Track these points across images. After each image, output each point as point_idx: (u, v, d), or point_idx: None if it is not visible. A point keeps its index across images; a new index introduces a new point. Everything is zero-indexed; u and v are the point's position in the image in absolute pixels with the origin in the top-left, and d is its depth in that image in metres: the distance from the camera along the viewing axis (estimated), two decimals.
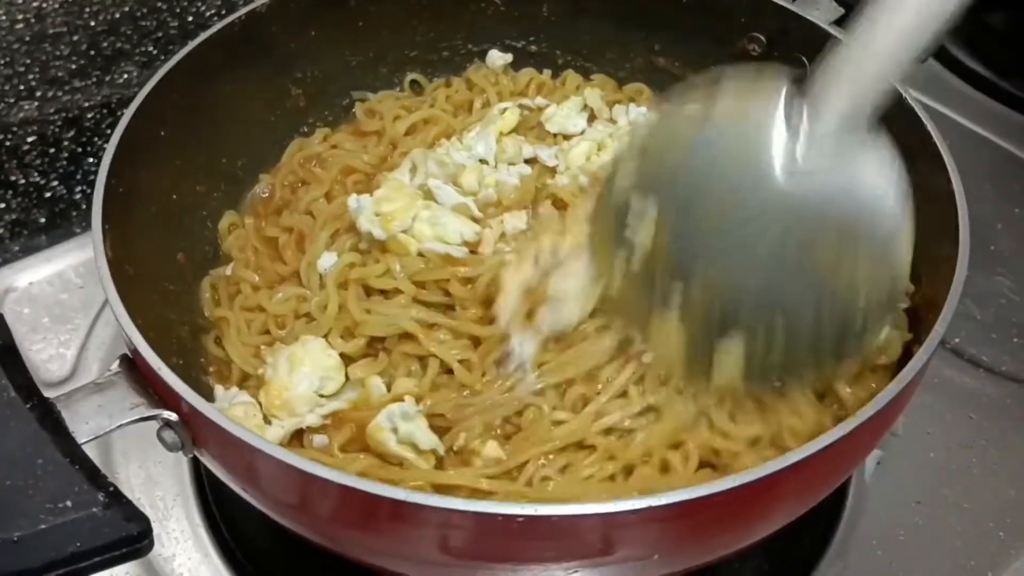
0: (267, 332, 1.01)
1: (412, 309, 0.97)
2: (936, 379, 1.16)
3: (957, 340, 1.20)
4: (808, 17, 1.10)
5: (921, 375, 0.80)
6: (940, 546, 1.03)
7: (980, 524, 1.05)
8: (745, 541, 0.83)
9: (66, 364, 1.19)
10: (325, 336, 0.97)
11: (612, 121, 1.20)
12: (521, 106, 1.19)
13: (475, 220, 1.04)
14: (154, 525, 0.72)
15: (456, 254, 0.99)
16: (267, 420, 0.93)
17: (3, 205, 1.41)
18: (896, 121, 0.99)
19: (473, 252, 1.01)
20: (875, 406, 0.75)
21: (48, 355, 1.19)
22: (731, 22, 1.17)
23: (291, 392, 0.92)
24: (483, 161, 1.12)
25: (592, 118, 1.21)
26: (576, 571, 0.76)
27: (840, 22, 1.11)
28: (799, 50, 1.11)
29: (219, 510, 1.07)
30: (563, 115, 1.19)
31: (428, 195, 1.06)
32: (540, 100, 1.23)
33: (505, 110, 1.18)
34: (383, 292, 0.99)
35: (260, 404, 0.94)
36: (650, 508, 0.68)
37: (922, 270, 0.97)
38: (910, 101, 0.99)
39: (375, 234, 1.00)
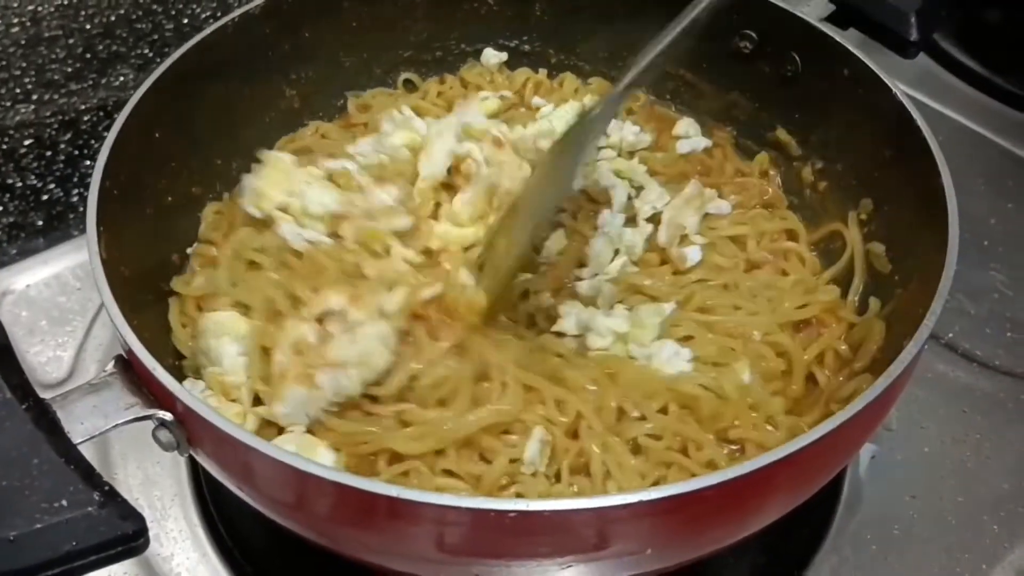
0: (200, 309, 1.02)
1: (265, 284, 0.98)
2: (930, 374, 1.16)
3: (951, 335, 1.20)
4: (799, 14, 1.10)
5: (911, 368, 0.80)
6: (934, 540, 1.04)
7: (974, 518, 1.06)
8: (738, 535, 0.83)
9: (64, 366, 1.19)
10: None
11: (605, 135, 1.21)
12: (502, 97, 1.20)
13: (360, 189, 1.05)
14: (152, 525, 0.73)
15: (300, 247, 0.99)
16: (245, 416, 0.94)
17: (0, 208, 1.41)
18: (887, 117, 1.01)
19: (335, 233, 1.02)
20: (864, 400, 0.75)
21: (46, 357, 1.20)
22: (723, 20, 1.16)
23: (224, 369, 0.94)
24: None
25: None
26: (570, 566, 0.76)
27: (831, 19, 1.11)
28: (791, 47, 1.13)
29: (217, 510, 1.07)
30: (558, 117, 1.19)
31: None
32: (538, 100, 1.24)
33: (486, 99, 1.19)
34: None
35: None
36: (642, 502, 0.69)
37: (914, 266, 0.97)
38: (901, 97, 1.00)
39: (251, 212, 1.03)
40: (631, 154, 1.19)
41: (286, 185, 1.03)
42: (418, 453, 0.88)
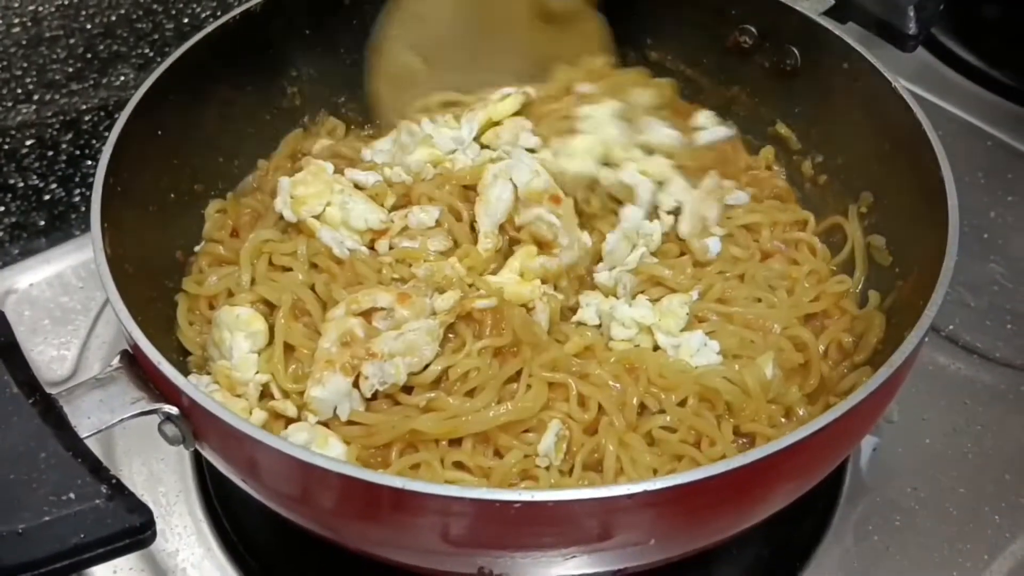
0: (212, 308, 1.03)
1: (295, 285, 0.99)
2: (931, 366, 1.17)
3: (951, 327, 1.21)
4: (799, 8, 1.11)
5: (912, 359, 0.80)
6: (936, 531, 1.04)
7: (976, 509, 1.06)
8: (740, 525, 0.83)
9: (67, 364, 1.19)
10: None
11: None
12: (525, 93, 1.18)
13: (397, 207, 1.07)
14: (157, 520, 0.73)
15: (342, 255, 1.01)
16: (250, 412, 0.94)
17: (2, 208, 1.42)
18: (887, 110, 1.01)
19: (372, 246, 1.03)
20: (866, 390, 0.75)
21: (49, 356, 1.20)
22: (723, 15, 1.18)
23: (233, 364, 0.94)
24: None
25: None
26: (574, 557, 0.76)
27: (830, 13, 1.11)
28: (790, 41, 1.13)
29: (221, 505, 1.07)
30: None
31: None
32: (586, 87, 1.19)
33: (507, 96, 1.17)
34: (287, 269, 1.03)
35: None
36: (645, 492, 0.69)
37: (914, 258, 0.98)
38: (900, 91, 1.00)
39: (286, 216, 1.04)
40: (651, 151, 1.16)
41: (326, 195, 1.04)
42: (436, 434, 0.89)
